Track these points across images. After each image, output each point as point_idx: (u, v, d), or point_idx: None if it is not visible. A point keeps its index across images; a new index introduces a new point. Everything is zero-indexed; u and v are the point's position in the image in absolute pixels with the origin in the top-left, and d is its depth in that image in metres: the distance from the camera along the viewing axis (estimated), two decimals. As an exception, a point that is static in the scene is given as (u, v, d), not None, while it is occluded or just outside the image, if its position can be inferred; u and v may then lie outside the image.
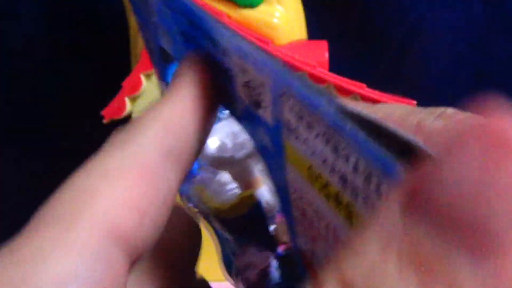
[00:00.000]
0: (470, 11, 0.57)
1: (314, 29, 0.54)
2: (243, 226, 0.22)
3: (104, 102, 0.49)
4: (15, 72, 0.61)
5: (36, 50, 0.61)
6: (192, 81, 0.17)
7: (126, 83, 0.49)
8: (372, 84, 0.49)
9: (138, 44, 0.50)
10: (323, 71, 0.48)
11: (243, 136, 0.21)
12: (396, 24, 0.57)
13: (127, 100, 0.49)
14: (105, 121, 0.49)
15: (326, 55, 0.49)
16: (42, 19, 0.60)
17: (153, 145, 0.16)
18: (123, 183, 0.15)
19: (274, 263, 0.22)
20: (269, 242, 0.22)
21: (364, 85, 0.48)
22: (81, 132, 0.61)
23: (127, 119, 0.51)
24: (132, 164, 0.15)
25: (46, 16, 0.60)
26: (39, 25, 0.60)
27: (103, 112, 0.49)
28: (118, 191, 0.15)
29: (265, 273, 0.22)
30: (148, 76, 0.49)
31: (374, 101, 0.48)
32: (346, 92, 0.48)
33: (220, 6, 0.48)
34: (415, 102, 0.48)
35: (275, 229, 0.22)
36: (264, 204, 0.21)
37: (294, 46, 0.49)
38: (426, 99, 0.54)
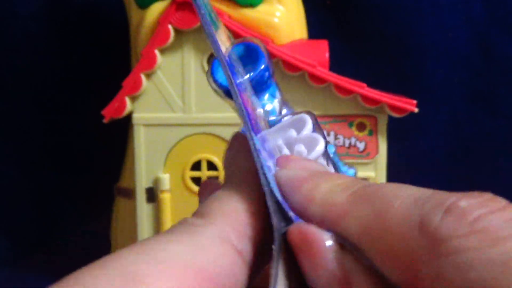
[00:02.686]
0: (470, 11, 0.57)
1: (314, 29, 0.54)
2: None
3: (104, 102, 0.49)
4: (15, 72, 0.61)
5: (36, 50, 0.61)
6: None
7: (126, 83, 0.49)
8: (372, 84, 0.49)
9: (138, 44, 0.50)
10: (323, 71, 0.48)
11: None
12: (396, 24, 0.57)
13: (127, 99, 0.49)
14: (105, 120, 0.49)
15: (327, 54, 0.49)
16: (42, 19, 0.60)
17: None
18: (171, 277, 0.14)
19: None
20: None
21: (364, 85, 0.48)
22: (81, 131, 0.61)
23: (127, 119, 0.51)
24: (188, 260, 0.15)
25: (46, 16, 0.60)
26: (39, 25, 0.60)
27: (103, 112, 0.49)
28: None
29: None
30: (148, 76, 0.49)
31: (374, 101, 0.48)
32: (346, 92, 0.48)
33: (220, 6, 0.48)
34: (415, 102, 0.48)
35: None
36: None
37: (294, 45, 0.49)
38: (426, 99, 0.54)
